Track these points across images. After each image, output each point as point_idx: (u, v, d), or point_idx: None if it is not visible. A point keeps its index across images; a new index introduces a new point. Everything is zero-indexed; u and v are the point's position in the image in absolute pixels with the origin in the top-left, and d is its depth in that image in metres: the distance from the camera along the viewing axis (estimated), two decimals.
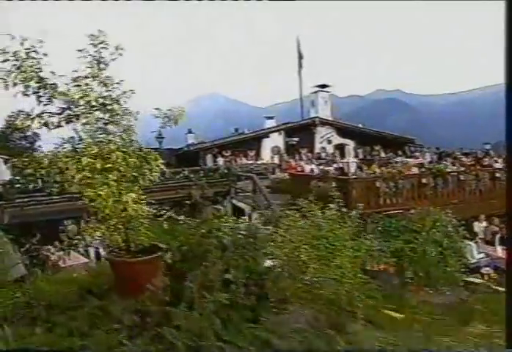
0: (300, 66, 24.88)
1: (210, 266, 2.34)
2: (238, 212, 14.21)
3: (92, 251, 9.30)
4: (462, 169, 12.00)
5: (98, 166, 2.72)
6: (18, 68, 2.37)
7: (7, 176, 14.08)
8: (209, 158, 18.55)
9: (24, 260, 5.04)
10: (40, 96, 2.51)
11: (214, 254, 2.47)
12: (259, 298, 2.32)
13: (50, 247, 8.05)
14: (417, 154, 20.38)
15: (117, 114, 2.74)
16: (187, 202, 14.10)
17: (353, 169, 10.09)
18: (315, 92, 22.37)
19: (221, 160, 18.02)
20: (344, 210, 4.19)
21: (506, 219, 2.48)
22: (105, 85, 2.66)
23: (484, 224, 10.97)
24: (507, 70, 1.94)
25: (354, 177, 10.11)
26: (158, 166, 3.21)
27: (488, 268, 9.12)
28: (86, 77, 2.62)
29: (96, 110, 2.52)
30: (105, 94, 2.62)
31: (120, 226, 2.93)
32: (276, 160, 19.57)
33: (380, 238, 6.03)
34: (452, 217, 8.30)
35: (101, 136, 2.68)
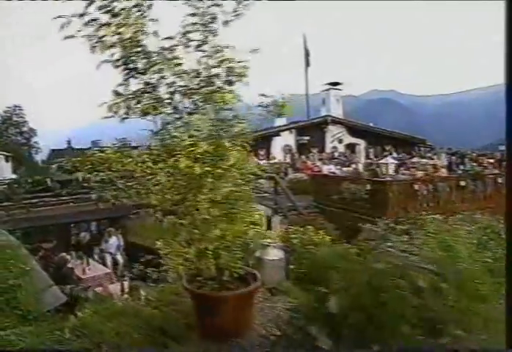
0: (307, 63, 24.16)
1: None
2: None
3: (108, 258, 8.46)
4: (496, 171, 11.40)
5: (197, 170, 1.93)
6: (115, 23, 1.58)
7: (9, 173, 13.15)
8: None
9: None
10: (131, 68, 1.71)
11: (409, 303, 1.72)
12: None
13: (64, 254, 7.22)
14: (429, 155, 19.87)
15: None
16: None
17: (391, 170, 9.39)
18: (327, 90, 21.72)
19: None
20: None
21: (505, 219, 2.23)
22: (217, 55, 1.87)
23: None
24: (507, 70, 1.85)
25: (390, 179, 9.41)
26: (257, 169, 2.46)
27: None
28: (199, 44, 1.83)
29: (221, 90, 1.74)
30: (218, 71, 1.82)
31: (222, 252, 2.16)
32: (288, 159, 18.86)
33: None
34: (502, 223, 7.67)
35: (212, 128, 1.89)
